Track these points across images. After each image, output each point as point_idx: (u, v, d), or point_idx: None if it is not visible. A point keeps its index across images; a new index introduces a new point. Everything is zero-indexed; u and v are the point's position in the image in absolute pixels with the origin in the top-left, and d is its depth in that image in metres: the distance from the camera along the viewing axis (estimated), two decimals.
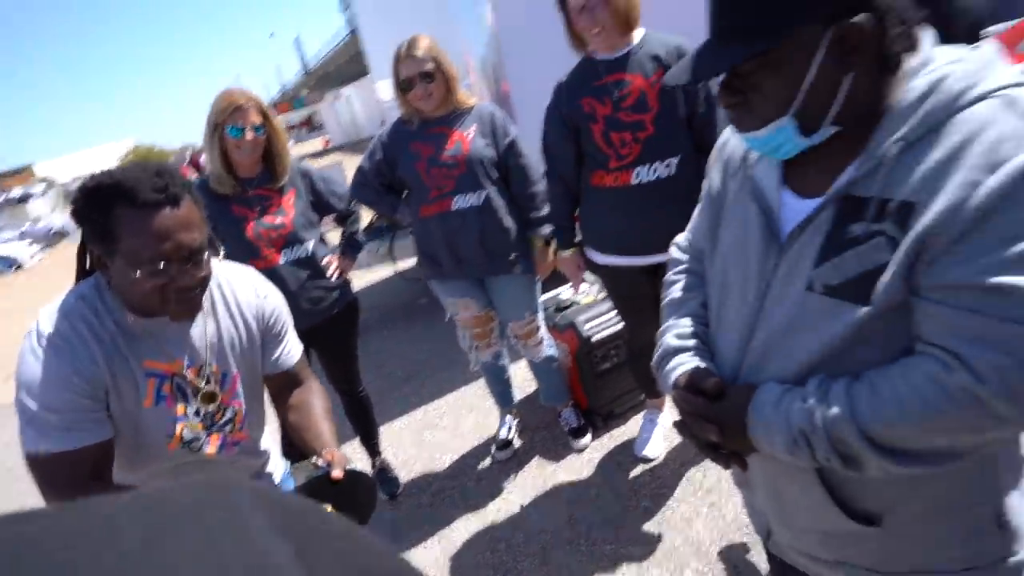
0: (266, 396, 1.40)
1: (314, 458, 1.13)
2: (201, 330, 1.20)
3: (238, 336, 1.25)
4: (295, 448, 1.30)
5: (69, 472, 1.05)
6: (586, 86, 1.96)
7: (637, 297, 2.22)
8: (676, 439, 2.57)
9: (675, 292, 1.05)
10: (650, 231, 1.99)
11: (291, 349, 1.35)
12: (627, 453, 2.59)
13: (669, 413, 2.69)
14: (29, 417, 1.05)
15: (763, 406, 0.80)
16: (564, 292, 3.08)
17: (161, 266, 1.03)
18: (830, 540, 0.90)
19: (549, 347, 2.64)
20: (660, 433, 2.56)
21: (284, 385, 1.35)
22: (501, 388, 2.81)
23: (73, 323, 1.08)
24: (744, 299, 0.88)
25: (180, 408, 1.17)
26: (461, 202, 2.28)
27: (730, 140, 0.99)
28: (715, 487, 2.28)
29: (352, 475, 1.09)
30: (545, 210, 2.33)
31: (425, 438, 3.13)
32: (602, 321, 2.75)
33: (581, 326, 2.69)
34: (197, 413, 1.20)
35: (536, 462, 2.69)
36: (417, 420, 3.32)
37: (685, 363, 0.94)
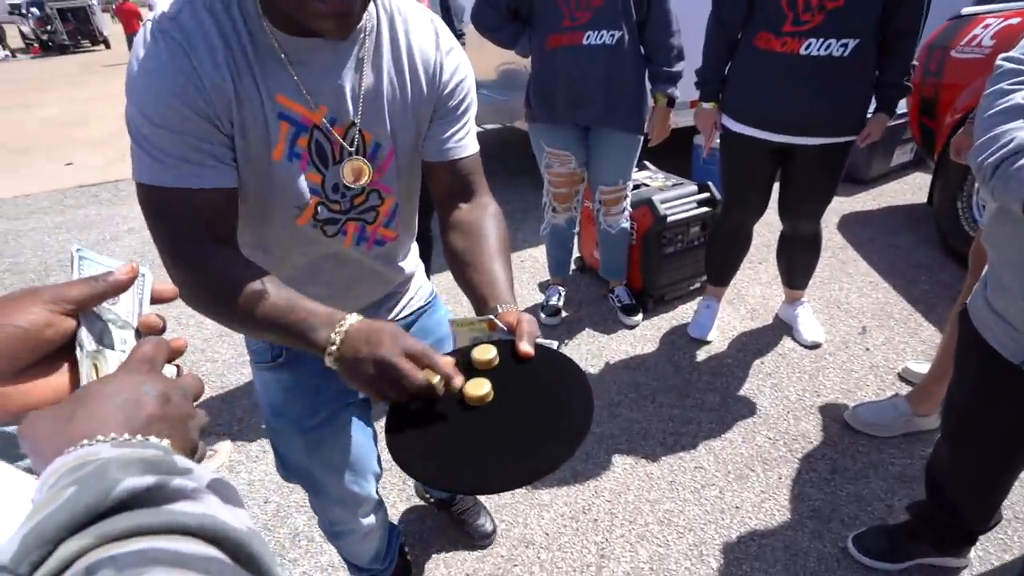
0: None
1: (492, 316, 0.79)
2: (355, 77, 0.84)
3: (403, 100, 0.89)
4: None
5: (177, 218, 0.77)
6: None
7: (755, 176, 2.18)
8: (730, 329, 2.64)
9: (1017, 99, 1.00)
10: (801, 108, 1.93)
11: (467, 137, 0.96)
12: (680, 334, 2.63)
13: (727, 304, 2.75)
14: (135, 134, 0.76)
15: None
16: (636, 174, 3.01)
17: None
18: None
19: (625, 221, 2.58)
20: (716, 319, 2.60)
21: (451, 189, 0.97)
22: (563, 256, 2.74)
23: (196, 12, 0.74)
24: None
25: (315, 176, 0.86)
26: (594, 38, 2.13)
27: None
28: (775, 372, 2.36)
29: (550, 356, 0.73)
30: (678, 66, 2.21)
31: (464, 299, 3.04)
32: (676, 204, 2.72)
33: (658, 204, 2.63)
34: (336, 189, 0.89)
35: (588, 332, 2.68)
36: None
37: None
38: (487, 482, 0.62)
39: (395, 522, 1.71)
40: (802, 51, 1.86)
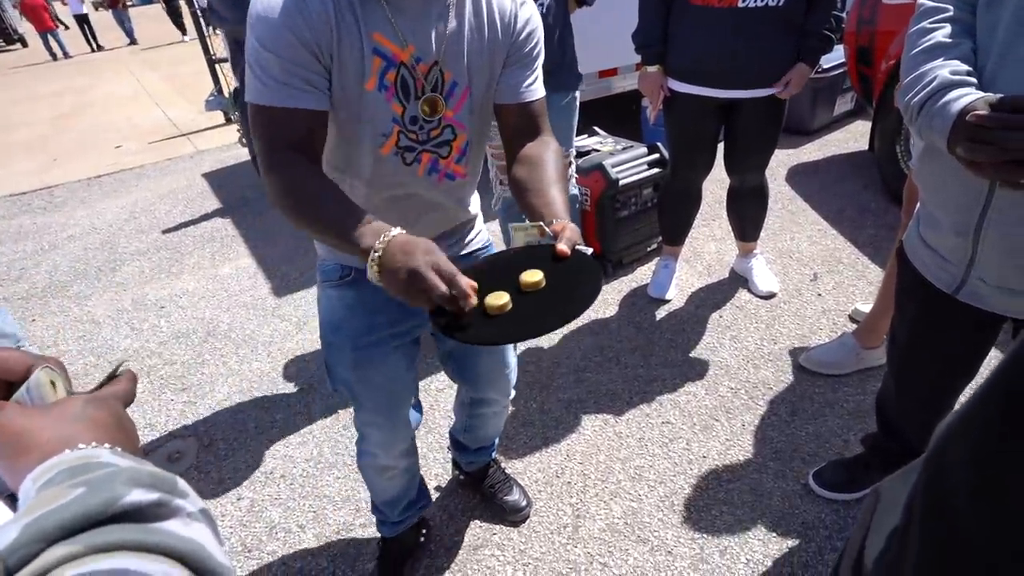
0: None
1: (543, 223, 0.94)
2: (440, 23, 0.96)
3: (480, 44, 1.01)
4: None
5: (275, 131, 0.92)
6: None
7: (701, 134, 2.21)
8: (688, 286, 2.69)
9: (938, 37, 1.03)
10: (743, 62, 1.95)
11: (536, 83, 1.08)
12: (640, 295, 2.67)
13: (684, 262, 2.80)
14: (251, 61, 0.91)
15: None
16: (580, 140, 3.01)
17: None
18: None
19: (574, 187, 2.58)
20: (674, 278, 2.65)
21: (519, 128, 1.09)
22: None
23: None
24: None
25: (397, 107, 0.98)
26: None
27: None
28: (733, 324, 2.43)
29: (580, 256, 0.89)
30: None
31: None
32: (627, 167, 2.73)
33: (609, 169, 2.65)
34: (414, 121, 1.01)
35: None
36: None
37: (970, 94, 0.93)
38: (493, 338, 0.80)
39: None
40: (740, 3, 1.87)
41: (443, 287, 0.76)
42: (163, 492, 0.33)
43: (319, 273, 1.23)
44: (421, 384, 2.24)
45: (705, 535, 1.63)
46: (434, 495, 1.83)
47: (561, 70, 2.22)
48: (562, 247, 0.86)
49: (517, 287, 0.83)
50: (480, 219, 1.32)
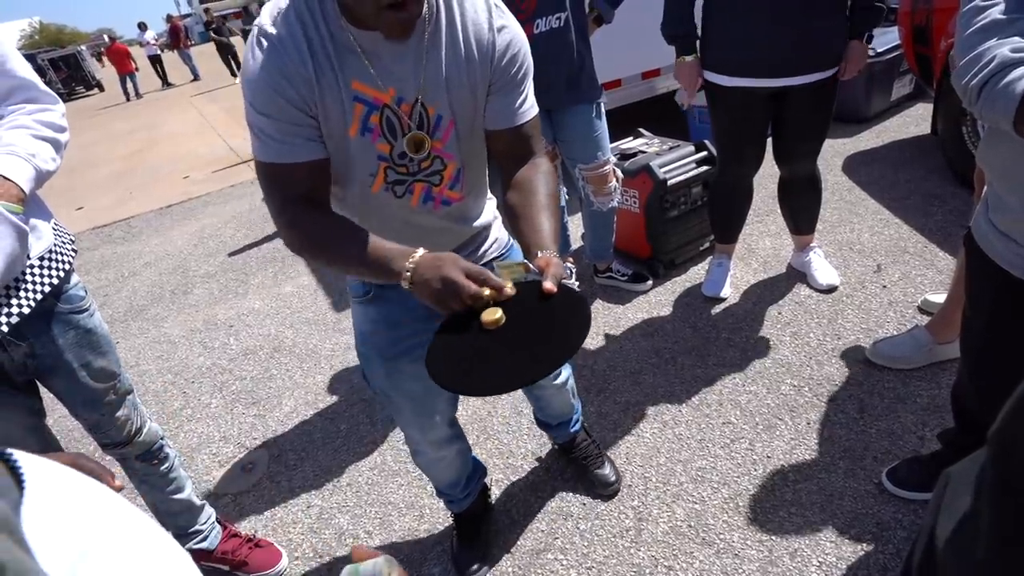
0: None
1: (527, 261, 0.95)
2: (418, 61, 0.98)
3: (459, 76, 1.02)
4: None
5: (281, 186, 0.99)
6: None
7: (748, 128, 2.16)
8: (744, 284, 2.63)
9: (994, 14, 0.99)
10: (787, 47, 1.91)
11: (523, 105, 1.08)
12: (694, 295, 2.63)
13: (738, 260, 2.74)
14: (249, 122, 0.97)
15: None
16: (626, 142, 3.00)
17: None
18: None
19: (617, 197, 2.55)
20: (729, 276, 2.59)
21: (510, 152, 1.11)
22: (561, 232, 2.74)
23: (288, 20, 0.93)
24: None
25: (384, 147, 1.02)
26: (543, 25, 2.09)
27: None
28: (793, 320, 2.36)
29: (567, 293, 0.89)
30: None
31: None
32: (675, 167, 2.71)
33: (656, 169, 2.63)
34: (403, 156, 1.04)
35: (603, 304, 2.70)
36: None
37: None
38: (482, 388, 0.86)
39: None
40: None
41: (474, 286, 0.86)
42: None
43: (348, 288, 1.30)
44: None
45: (773, 537, 1.59)
46: (495, 497, 1.85)
47: (580, 83, 2.22)
48: (548, 285, 0.88)
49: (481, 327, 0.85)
50: (497, 225, 1.33)
